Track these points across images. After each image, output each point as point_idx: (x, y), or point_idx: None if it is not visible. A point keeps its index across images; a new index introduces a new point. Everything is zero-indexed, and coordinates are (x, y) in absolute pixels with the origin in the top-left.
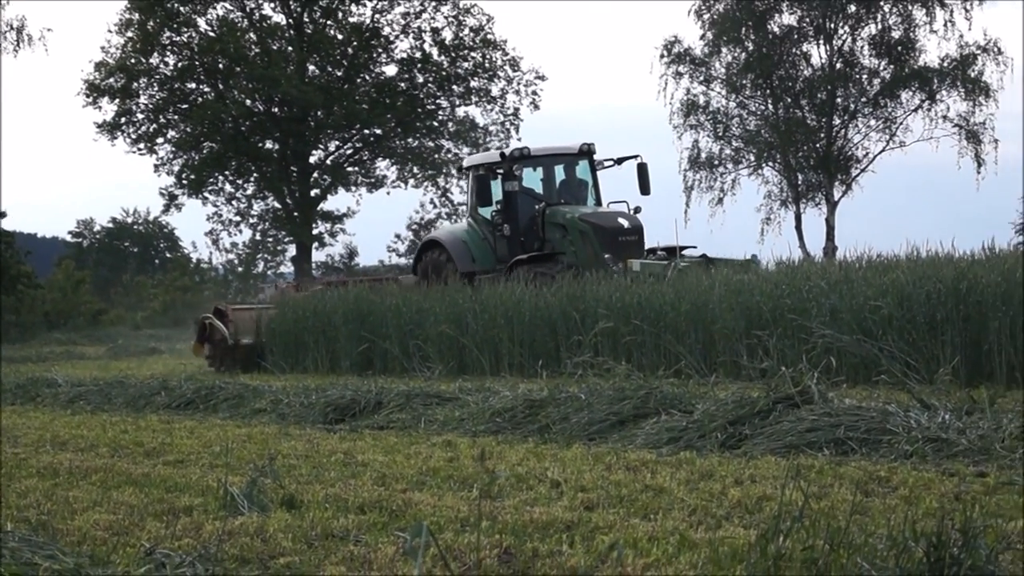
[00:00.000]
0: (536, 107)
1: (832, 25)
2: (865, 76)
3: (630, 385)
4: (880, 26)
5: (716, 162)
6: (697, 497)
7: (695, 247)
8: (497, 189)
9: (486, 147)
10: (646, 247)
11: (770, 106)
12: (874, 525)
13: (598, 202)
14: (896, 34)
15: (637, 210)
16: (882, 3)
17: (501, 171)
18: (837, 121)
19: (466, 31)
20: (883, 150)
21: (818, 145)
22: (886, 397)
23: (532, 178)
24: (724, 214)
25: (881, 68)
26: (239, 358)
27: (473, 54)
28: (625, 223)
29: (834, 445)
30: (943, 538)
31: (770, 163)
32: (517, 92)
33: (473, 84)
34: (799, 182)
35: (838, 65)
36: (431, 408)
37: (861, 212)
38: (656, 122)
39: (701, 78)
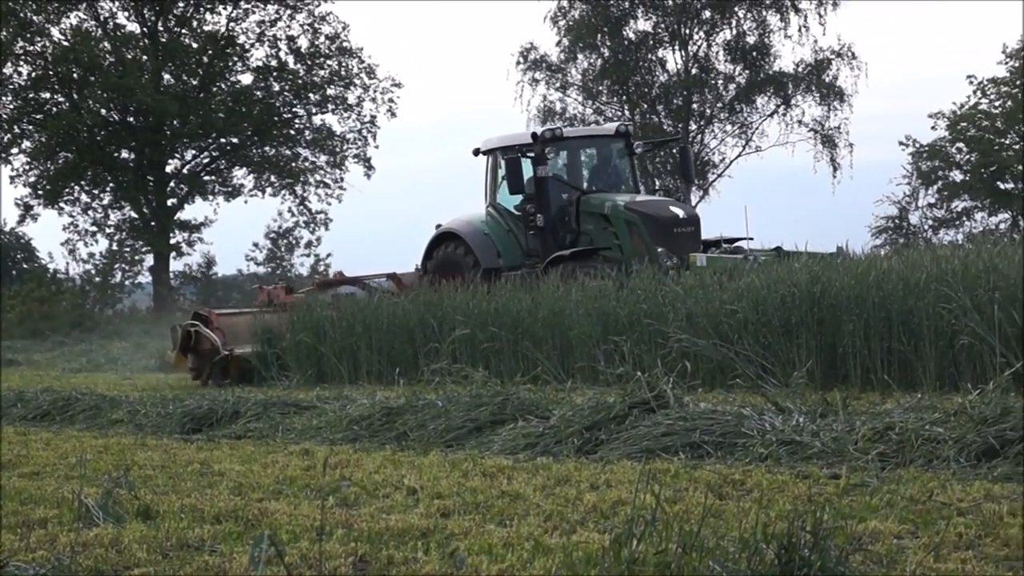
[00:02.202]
0: (393, 114)
1: (687, 31)
2: (721, 82)
3: (487, 392)
4: (735, 32)
5: None
6: (553, 502)
7: (752, 238)
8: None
9: (343, 155)
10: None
11: (626, 112)
12: (727, 528)
13: (636, 190)
14: (751, 40)
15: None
16: (737, 9)
17: (532, 154)
18: (693, 127)
19: (322, 39)
20: (740, 155)
21: (674, 151)
22: (742, 401)
23: (553, 163)
24: None
25: (736, 73)
26: (234, 370)
27: (329, 62)
28: (680, 212)
29: (689, 449)
30: (794, 540)
31: None
32: (374, 100)
33: (329, 92)
34: (656, 187)
35: (694, 71)
36: (289, 417)
37: (718, 216)
38: (513, 128)
39: (557, 84)
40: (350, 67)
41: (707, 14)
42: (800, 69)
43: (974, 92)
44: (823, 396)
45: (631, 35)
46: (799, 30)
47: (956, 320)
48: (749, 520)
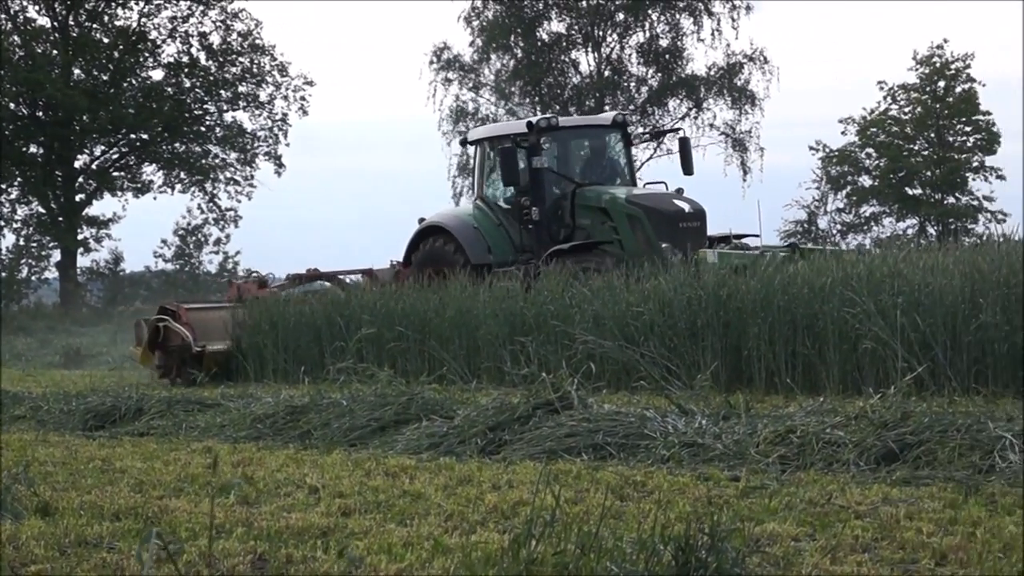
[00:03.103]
0: (305, 112)
1: (600, 33)
2: (633, 84)
3: (392, 391)
4: (648, 34)
5: None
6: (454, 502)
7: (757, 235)
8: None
9: (253, 152)
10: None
11: (539, 113)
12: (626, 529)
13: (633, 182)
14: (664, 42)
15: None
16: (650, 12)
17: (526, 144)
18: None
19: (234, 36)
20: (650, 157)
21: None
22: (646, 403)
23: (546, 154)
24: None
25: (649, 76)
26: (208, 367)
27: (241, 59)
28: (686, 207)
29: (592, 450)
30: (691, 541)
31: None
32: (286, 98)
33: (241, 89)
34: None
35: (606, 73)
36: (192, 414)
37: None
38: (425, 128)
39: (470, 85)
40: (262, 64)
41: (620, 16)
42: (712, 73)
43: (884, 98)
44: (726, 399)
45: (544, 36)
46: (712, 34)
47: (860, 324)
48: (649, 521)
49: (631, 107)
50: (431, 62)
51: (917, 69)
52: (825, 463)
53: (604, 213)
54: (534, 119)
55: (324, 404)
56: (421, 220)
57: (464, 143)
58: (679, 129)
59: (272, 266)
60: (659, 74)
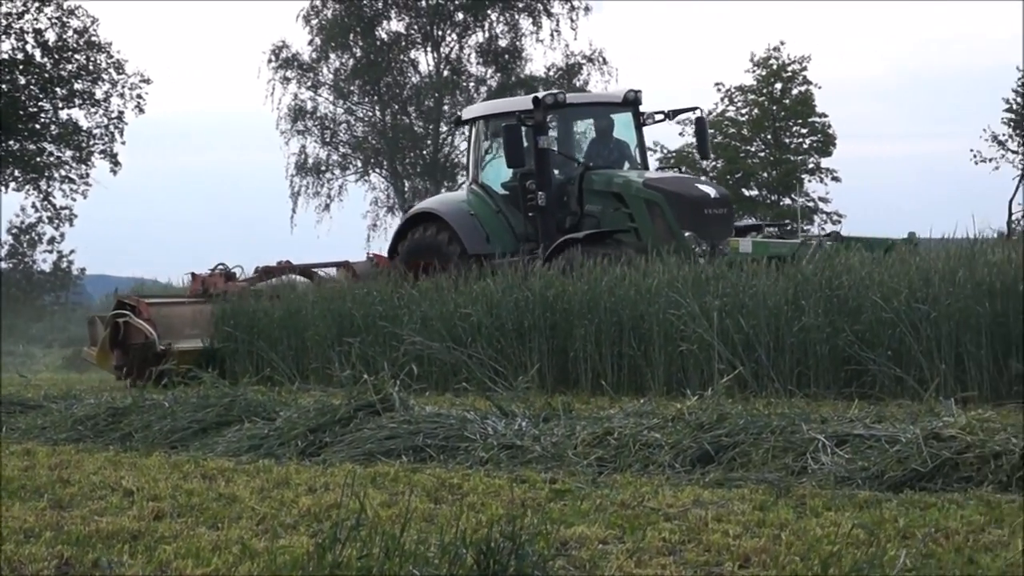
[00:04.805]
0: (141, 110)
1: (440, 32)
2: (472, 84)
3: (215, 393)
4: (487, 34)
5: (323, 168)
6: (268, 506)
7: (787, 224)
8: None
9: (89, 150)
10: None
11: (378, 113)
12: (437, 532)
13: (645, 166)
14: (503, 43)
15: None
16: (489, 12)
17: (530, 122)
18: (444, 128)
19: (70, 33)
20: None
21: (425, 152)
22: (471, 404)
23: (552, 133)
24: (331, 220)
25: (488, 76)
26: (177, 368)
27: (77, 56)
28: (711, 191)
29: (413, 452)
30: (492, 545)
31: (377, 169)
32: (122, 95)
33: (77, 86)
34: (406, 189)
35: (445, 73)
36: (14, 416)
37: None
38: (264, 126)
39: (309, 83)
40: (98, 62)
41: (460, 16)
42: (552, 73)
43: (722, 99)
44: (547, 400)
45: (384, 35)
46: (551, 34)
47: (684, 326)
48: (461, 524)
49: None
50: (269, 60)
51: (754, 71)
52: (642, 465)
53: (617, 198)
54: (540, 94)
55: (146, 406)
56: (409, 207)
57: (458, 122)
58: (697, 108)
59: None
60: (498, 74)
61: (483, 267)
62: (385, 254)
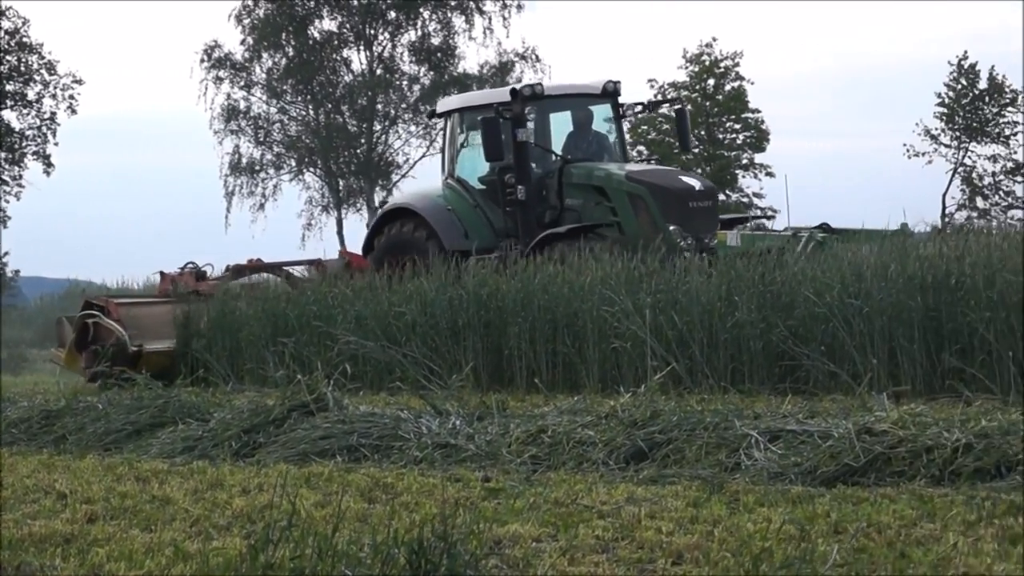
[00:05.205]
0: (74, 111)
1: (372, 31)
2: (405, 83)
3: (149, 394)
4: (420, 33)
5: (257, 167)
6: (201, 507)
7: (773, 216)
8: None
9: (21, 152)
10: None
11: (311, 112)
12: (370, 532)
13: (625, 158)
14: (436, 41)
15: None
16: (422, 10)
17: (508, 114)
18: (378, 127)
19: (1, 34)
20: (423, 156)
21: (359, 151)
22: (406, 403)
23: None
24: (266, 220)
25: (421, 74)
26: (147, 369)
27: (8, 58)
28: (696, 184)
29: (347, 452)
30: (424, 544)
31: (311, 168)
32: (54, 96)
33: (8, 88)
34: (340, 188)
35: (378, 71)
36: None
37: None
38: (197, 126)
39: (242, 83)
40: (30, 63)
41: (392, 15)
42: (485, 71)
43: (655, 96)
44: (482, 399)
45: (316, 34)
46: (484, 32)
47: (619, 323)
48: (394, 523)
49: (404, 105)
50: (202, 60)
51: (687, 67)
52: (575, 463)
53: (598, 192)
54: (517, 86)
55: (80, 408)
56: (384, 203)
57: (432, 115)
58: (677, 100)
59: (41, 268)
60: (431, 72)
61: (461, 264)
62: (330, 254)
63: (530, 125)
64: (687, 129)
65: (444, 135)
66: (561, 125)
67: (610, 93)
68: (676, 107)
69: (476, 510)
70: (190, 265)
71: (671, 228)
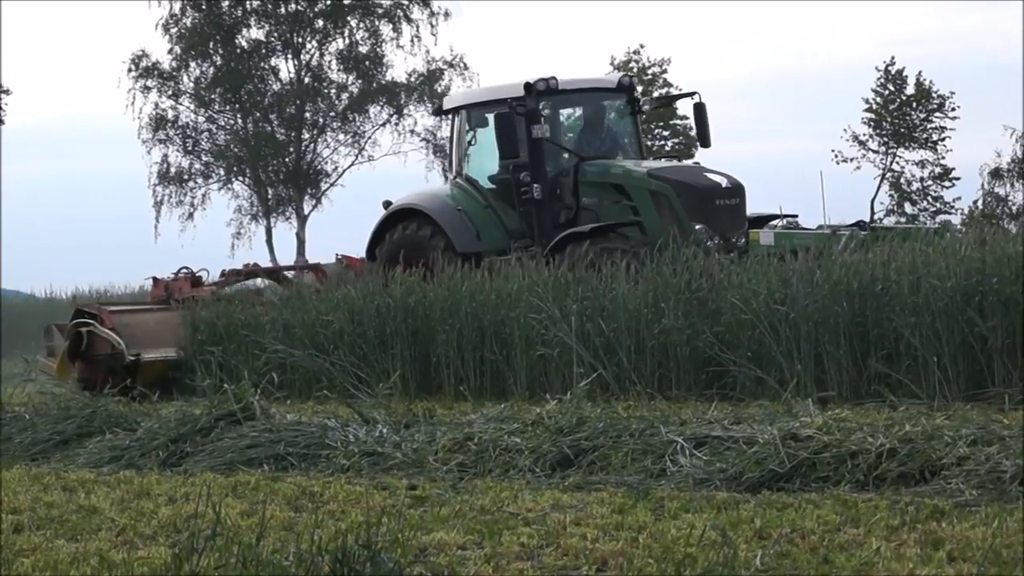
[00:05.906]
0: (0, 120)
1: (300, 40)
2: (334, 91)
3: (76, 404)
4: (348, 41)
5: (186, 176)
6: (128, 517)
7: (796, 215)
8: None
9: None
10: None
11: (240, 120)
12: (294, 541)
13: (641, 155)
14: (364, 49)
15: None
16: (349, 19)
17: (522, 110)
18: (306, 136)
19: None
20: (352, 164)
21: (287, 159)
22: (334, 412)
23: (545, 122)
24: (195, 229)
25: (350, 83)
26: (146, 380)
27: None
28: (722, 181)
29: (274, 461)
30: (348, 552)
31: (240, 177)
32: None
33: None
34: (269, 196)
35: (307, 80)
36: None
37: (331, 226)
38: (126, 135)
39: (170, 92)
40: None
41: (320, 23)
42: (413, 79)
43: None
44: (409, 407)
45: (244, 43)
46: (412, 40)
47: (545, 330)
48: (320, 532)
49: (332, 114)
50: (129, 70)
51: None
52: (502, 470)
53: (617, 190)
54: (531, 80)
55: (6, 418)
56: (387, 204)
57: (438, 112)
58: (695, 94)
59: None
60: (359, 81)
61: (476, 266)
62: (264, 262)
63: (553, 120)
64: (706, 124)
65: (451, 132)
66: (573, 120)
67: (626, 87)
68: (695, 102)
69: (402, 518)
70: (184, 270)
71: (697, 227)
